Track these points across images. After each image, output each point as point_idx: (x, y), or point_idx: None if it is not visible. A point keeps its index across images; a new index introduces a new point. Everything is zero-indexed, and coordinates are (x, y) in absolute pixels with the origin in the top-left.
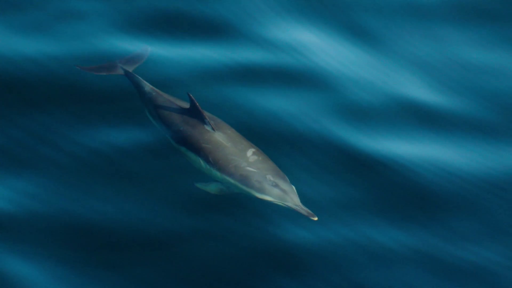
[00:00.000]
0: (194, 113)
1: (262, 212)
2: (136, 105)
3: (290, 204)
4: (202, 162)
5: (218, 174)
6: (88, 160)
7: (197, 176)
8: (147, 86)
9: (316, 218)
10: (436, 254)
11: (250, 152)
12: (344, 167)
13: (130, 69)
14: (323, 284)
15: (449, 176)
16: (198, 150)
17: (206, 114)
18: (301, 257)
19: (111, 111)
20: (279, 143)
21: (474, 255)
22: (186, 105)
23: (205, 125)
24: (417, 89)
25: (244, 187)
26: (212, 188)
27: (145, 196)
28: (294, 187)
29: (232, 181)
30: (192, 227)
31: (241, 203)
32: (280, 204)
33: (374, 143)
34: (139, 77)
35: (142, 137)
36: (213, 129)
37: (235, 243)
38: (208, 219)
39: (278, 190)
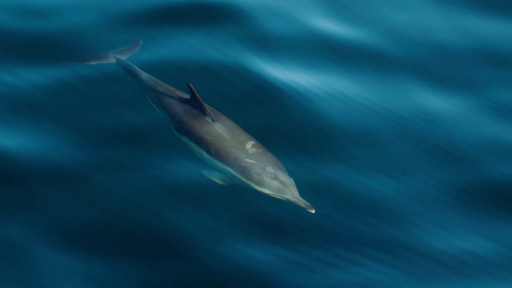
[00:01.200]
0: (195, 103)
1: (172, 145)
2: (52, 43)
3: (289, 196)
4: (204, 153)
5: (219, 165)
6: (6, 95)
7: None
8: (144, 74)
9: (313, 211)
10: (326, 185)
11: (249, 144)
12: (250, 96)
13: (123, 58)
14: (228, 213)
15: (347, 107)
16: (199, 141)
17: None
18: (208, 187)
19: (28, 48)
20: (196, 72)
21: (363, 186)
22: (185, 95)
23: (205, 116)
24: (321, 20)
25: (244, 179)
26: (216, 177)
27: (61, 129)
28: (292, 180)
29: (233, 172)
30: (107, 158)
31: (154, 137)
32: (279, 196)
33: (278, 73)
34: (134, 65)
35: (58, 74)
36: (213, 120)
37: (146, 174)
38: (123, 151)
39: (278, 183)
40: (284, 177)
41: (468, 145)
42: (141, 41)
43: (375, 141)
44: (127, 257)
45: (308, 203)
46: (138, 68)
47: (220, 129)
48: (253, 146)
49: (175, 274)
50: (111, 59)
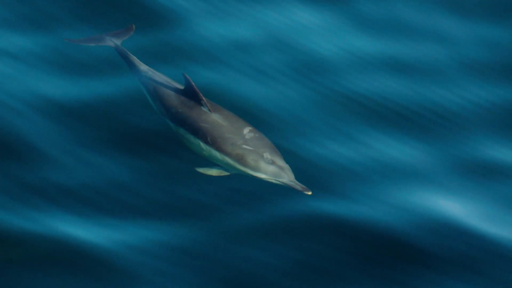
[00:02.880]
0: (191, 94)
1: None
2: None
3: (285, 180)
4: (200, 143)
5: (217, 153)
6: None
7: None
8: (141, 65)
9: (310, 193)
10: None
11: (246, 130)
12: None
13: (118, 42)
14: None
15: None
16: (196, 131)
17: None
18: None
19: None
20: None
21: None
22: (181, 86)
23: (202, 106)
24: None
25: (241, 167)
26: (212, 171)
27: None
28: (288, 165)
29: (230, 160)
30: None
31: None
32: (275, 181)
33: None
34: (132, 55)
35: None
36: (209, 110)
37: None
38: None
39: (274, 168)
40: (281, 162)
41: (329, 55)
42: (134, 26)
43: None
44: None
45: (304, 186)
46: (135, 58)
47: (217, 118)
48: (250, 131)
49: None
50: (108, 42)
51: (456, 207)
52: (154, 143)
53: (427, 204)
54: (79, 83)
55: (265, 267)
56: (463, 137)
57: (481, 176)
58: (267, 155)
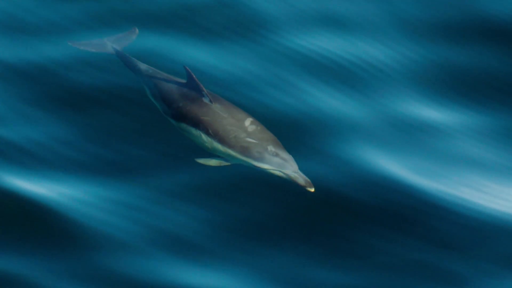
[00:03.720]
0: (192, 86)
1: None
2: None
3: (289, 172)
4: (203, 136)
5: (219, 146)
6: None
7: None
8: (143, 65)
9: (313, 189)
10: None
11: (248, 122)
12: None
13: (119, 48)
14: None
15: None
16: (197, 123)
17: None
18: None
19: None
20: None
21: None
22: (183, 81)
23: (203, 98)
24: None
25: (245, 158)
26: (213, 162)
27: None
28: (291, 157)
29: (232, 152)
30: None
31: None
32: (279, 172)
33: None
34: (131, 57)
35: None
36: (210, 101)
37: None
38: None
39: (279, 159)
40: (285, 154)
41: (272, 10)
42: (137, 29)
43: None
44: None
45: (308, 180)
46: (136, 60)
47: (218, 109)
48: (252, 123)
49: None
50: (108, 49)
51: (391, 160)
52: (99, 100)
53: (363, 155)
54: (27, 44)
55: (207, 223)
56: (396, 92)
57: (414, 131)
58: (271, 148)
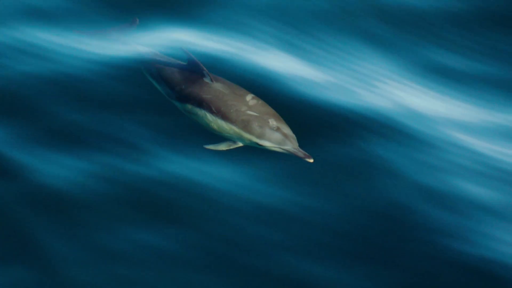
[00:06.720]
0: (192, 67)
1: None
2: None
3: (288, 147)
4: (208, 115)
5: (223, 123)
6: None
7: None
8: (143, 49)
9: (312, 160)
10: None
11: (249, 97)
12: None
13: (122, 37)
14: None
15: None
16: (200, 103)
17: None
18: None
19: None
20: None
21: None
22: (183, 62)
23: (203, 78)
24: None
25: (247, 134)
26: (222, 146)
27: None
28: (291, 132)
29: (235, 128)
30: None
31: None
32: (279, 149)
33: None
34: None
35: None
36: (211, 80)
37: None
38: None
39: (279, 135)
40: (285, 129)
41: None
42: (137, 20)
43: None
44: None
45: (306, 153)
46: (136, 44)
47: (219, 87)
48: (253, 98)
49: None
50: (112, 38)
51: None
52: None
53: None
54: None
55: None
56: None
57: None
58: (272, 121)
